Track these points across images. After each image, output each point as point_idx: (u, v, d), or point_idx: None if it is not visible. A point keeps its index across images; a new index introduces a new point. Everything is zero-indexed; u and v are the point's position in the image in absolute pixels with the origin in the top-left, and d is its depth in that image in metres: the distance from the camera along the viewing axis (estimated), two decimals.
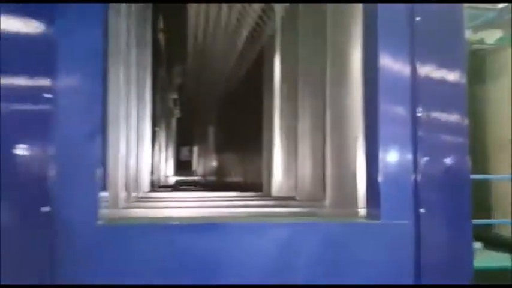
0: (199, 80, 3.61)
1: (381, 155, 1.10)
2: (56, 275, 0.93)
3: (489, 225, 4.59)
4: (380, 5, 1.16)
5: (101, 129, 1.05)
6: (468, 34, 4.69)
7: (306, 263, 1.01)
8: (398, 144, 1.11)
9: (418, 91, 1.13)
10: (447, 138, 1.16)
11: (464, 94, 1.20)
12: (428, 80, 1.16)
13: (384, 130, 1.11)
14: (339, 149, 1.43)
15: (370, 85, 1.19)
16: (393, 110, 1.14)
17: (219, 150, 5.22)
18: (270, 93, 2.32)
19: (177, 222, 1.00)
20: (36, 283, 0.92)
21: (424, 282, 1.04)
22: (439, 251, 1.06)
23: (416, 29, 1.15)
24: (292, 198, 1.84)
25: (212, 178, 5.90)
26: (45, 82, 0.99)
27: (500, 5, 4.89)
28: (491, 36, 4.69)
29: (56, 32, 0.99)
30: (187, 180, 6.48)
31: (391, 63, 1.16)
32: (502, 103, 4.62)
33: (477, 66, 4.81)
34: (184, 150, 7.90)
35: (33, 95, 0.98)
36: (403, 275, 1.04)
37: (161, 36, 3.26)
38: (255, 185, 2.81)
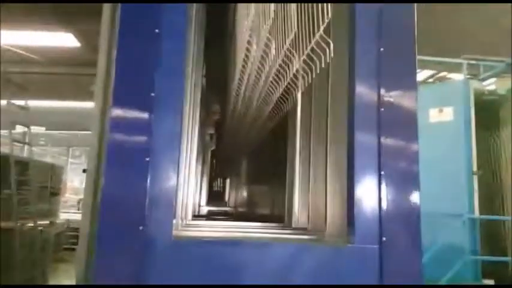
0: (235, 119, 4.22)
1: (356, 187, 1.59)
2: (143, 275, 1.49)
3: (505, 263, 4.80)
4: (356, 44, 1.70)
5: (178, 165, 1.62)
6: (480, 85, 5.13)
7: (297, 274, 1.53)
8: (369, 175, 1.62)
9: (382, 121, 1.63)
10: (404, 168, 1.66)
11: (416, 122, 1.68)
12: (390, 109, 1.64)
13: (358, 161, 1.62)
14: (337, 188, 1.93)
15: (350, 120, 1.70)
16: (365, 140, 1.63)
17: (250, 183, 5.76)
18: (293, 143, 2.87)
19: (222, 239, 1.56)
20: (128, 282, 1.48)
21: None
22: (397, 269, 1.56)
23: (381, 58, 1.67)
24: (305, 229, 2.35)
25: (242, 209, 6.44)
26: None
27: (509, 59, 5.31)
28: (502, 86, 5.07)
29: None
30: (218, 211, 7.05)
31: (365, 96, 1.67)
32: None
33: (492, 114, 5.19)
34: (218, 182, 8.58)
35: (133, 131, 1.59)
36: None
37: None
38: (279, 217, 3.33)
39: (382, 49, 1.73)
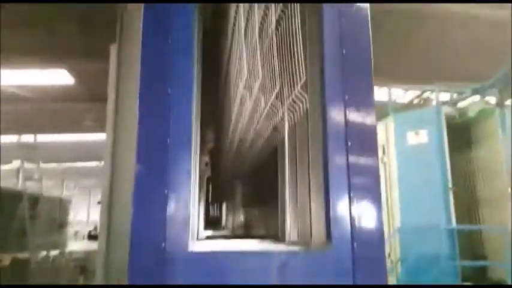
0: (230, 150, 4.66)
1: (332, 207, 2.05)
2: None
3: (483, 268, 5.22)
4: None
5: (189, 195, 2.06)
6: (451, 109, 5.67)
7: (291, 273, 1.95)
8: (341, 196, 2.08)
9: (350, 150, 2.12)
10: (368, 187, 2.12)
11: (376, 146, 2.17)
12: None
13: (332, 181, 2.09)
14: (318, 209, 2.37)
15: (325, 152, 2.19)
16: (336, 159, 2.12)
17: (245, 208, 6.14)
18: (282, 170, 3.30)
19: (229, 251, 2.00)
20: None
21: None
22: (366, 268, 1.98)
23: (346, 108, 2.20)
24: (295, 242, 2.76)
25: (240, 232, 6.77)
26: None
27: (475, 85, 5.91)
28: (473, 109, 5.61)
29: None
30: (216, 235, 7.33)
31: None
32: (487, 164, 5.47)
33: (463, 134, 5.73)
34: (214, 207, 8.88)
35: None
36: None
37: None
38: (274, 236, 3.73)
39: (347, 97, 2.22)
